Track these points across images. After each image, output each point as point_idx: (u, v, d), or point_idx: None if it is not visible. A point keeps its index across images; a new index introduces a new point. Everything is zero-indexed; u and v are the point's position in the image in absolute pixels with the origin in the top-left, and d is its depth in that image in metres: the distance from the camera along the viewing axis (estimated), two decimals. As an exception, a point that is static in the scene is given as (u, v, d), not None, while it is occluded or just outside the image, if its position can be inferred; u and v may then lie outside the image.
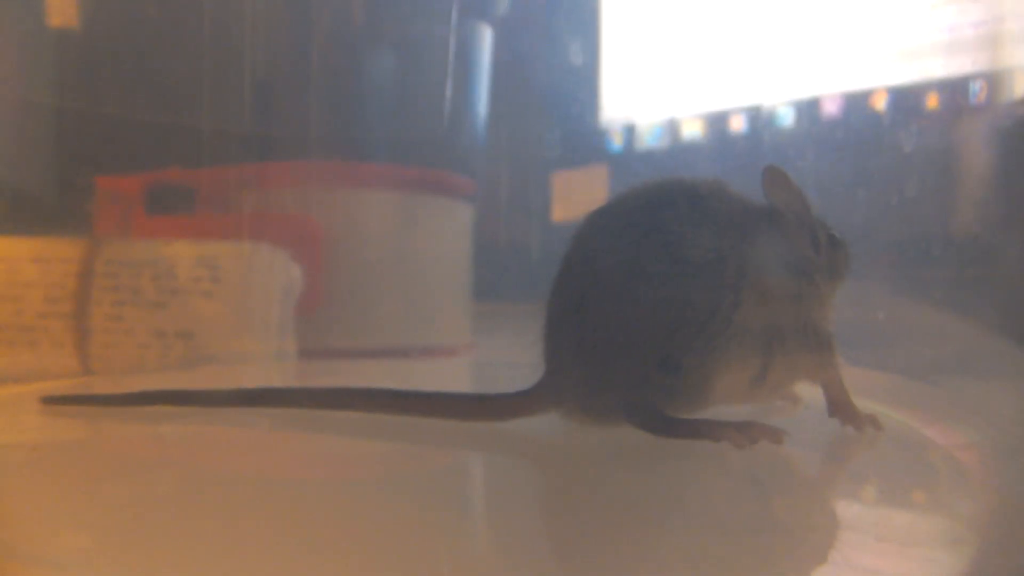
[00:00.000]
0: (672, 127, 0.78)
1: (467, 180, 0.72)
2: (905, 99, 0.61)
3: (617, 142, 0.83)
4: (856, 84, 0.64)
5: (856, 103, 0.64)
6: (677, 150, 0.78)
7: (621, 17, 0.83)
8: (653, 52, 0.80)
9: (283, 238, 0.57)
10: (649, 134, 0.80)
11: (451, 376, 0.67)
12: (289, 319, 0.57)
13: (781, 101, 0.69)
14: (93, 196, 0.64)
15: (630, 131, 0.82)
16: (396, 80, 0.78)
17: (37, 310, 0.51)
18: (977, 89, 0.56)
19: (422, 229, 0.67)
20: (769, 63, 0.70)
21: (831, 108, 0.66)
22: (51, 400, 0.42)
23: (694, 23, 0.76)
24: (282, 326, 0.56)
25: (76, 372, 0.52)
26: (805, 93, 0.68)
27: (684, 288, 0.34)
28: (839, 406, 0.38)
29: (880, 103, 0.62)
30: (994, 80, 0.55)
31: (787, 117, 0.69)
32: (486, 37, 0.84)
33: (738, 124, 0.73)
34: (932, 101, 0.59)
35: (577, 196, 0.85)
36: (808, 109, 0.67)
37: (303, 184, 0.65)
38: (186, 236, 0.56)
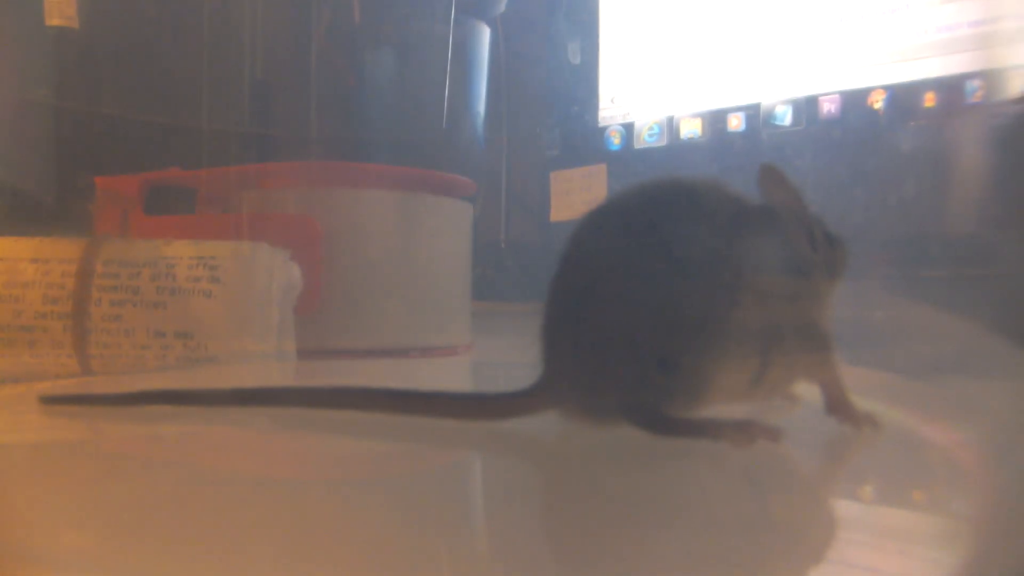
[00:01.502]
0: (670, 126, 0.78)
1: (467, 180, 0.72)
2: (903, 98, 0.61)
3: (616, 141, 0.83)
4: (854, 83, 0.64)
5: (854, 102, 0.64)
6: (675, 149, 0.78)
7: (619, 16, 0.83)
8: (651, 51, 0.80)
9: (283, 238, 0.57)
10: (648, 133, 0.80)
11: (450, 376, 0.67)
12: (289, 319, 0.57)
13: (779, 100, 0.69)
14: (92, 196, 0.64)
15: (628, 130, 0.82)
16: (395, 80, 0.78)
17: (36, 310, 0.51)
18: (974, 88, 0.57)
19: (422, 229, 0.67)
20: (767, 62, 0.70)
21: (829, 107, 0.66)
22: (50, 400, 0.42)
23: (693, 22, 0.76)
24: (282, 326, 0.56)
25: (75, 372, 0.52)
26: (803, 92, 0.68)
27: (681, 287, 0.34)
28: (837, 405, 0.38)
29: (878, 102, 0.62)
30: (991, 79, 0.55)
31: (785, 116, 0.69)
32: (485, 36, 0.84)
33: (736, 123, 0.73)
34: (929, 100, 0.59)
35: (576, 195, 0.85)
36: (806, 108, 0.68)
37: (302, 184, 0.65)
38: (186, 236, 0.56)
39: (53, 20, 0.68)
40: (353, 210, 0.65)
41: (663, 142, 0.79)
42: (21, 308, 0.51)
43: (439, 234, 0.69)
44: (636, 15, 0.82)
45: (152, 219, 0.63)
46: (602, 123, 0.84)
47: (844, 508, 0.31)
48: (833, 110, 0.65)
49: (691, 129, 0.77)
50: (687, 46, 0.77)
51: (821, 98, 0.66)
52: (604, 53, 0.84)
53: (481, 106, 0.84)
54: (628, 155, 0.82)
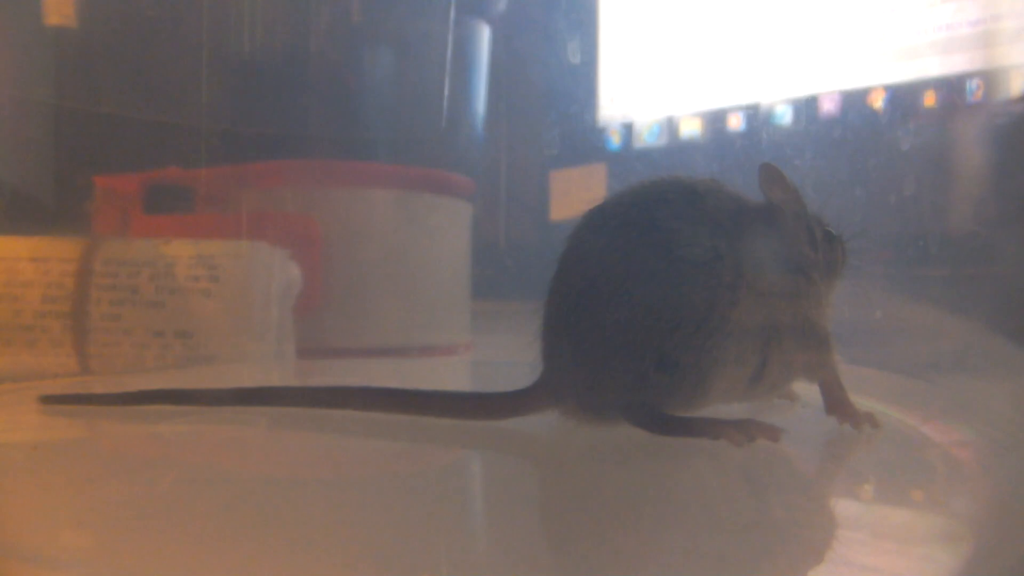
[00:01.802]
0: (670, 125, 0.78)
1: (466, 179, 0.72)
2: (903, 97, 0.61)
3: (615, 141, 0.83)
4: (854, 82, 0.64)
5: (854, 101, 0.64)
6: (675, 148, 0.78)
7: (619, 15, 0.83)
8: (651, 51, 0.80)
9: (282, 237, 0.57)
10: (647, 132, 0.80)
11: (450, 375, 0.67)
12: (288, 318, 0.56)
13: (779, 99, 0.69)
14: (92, 195, 0.64)
15: (628, 129, 0.82)
16: (395, 78, 0.78)
17: (36, 309, 0.51)
18: (974, 87, 0.56)
19: (421, 228, 0.67)
20: (767, 61, 0.70)
21: (829, 106, 0.66)
22: (49, 399, 0.42)
23: (692, 21, 0.76)
24: (281, 325, 0.56)
25: (74, 371, 0.52)
26: (803, 91, 0.68)
27: (681, 286, 0.34)
28: (836, 404, 0.38)
29: (878, 101, 0.62)
30: (991, 78, 0.55)
31: (785, 115, 0.69)
32: (484, 35, 0.84)
33: (736, 122, 0.73)
34: (929, 99, 0.59)
35: (575, 195, 0.85)
36: (806, 107, 0.67)
37: (302, 183, 0.65)
38: (185, 235, 0.56)
39: (51, 19, 0.68)
40: (352, 209, 0.65)
41: (663, 142, 0.79)
42: (20, 307, 0.51)
43: (439, 233, 0.69)
44: (636, 14, 0.82)
45: (151, 218, 0.63)
46: (602, 123, 0.84)
47: (843, 506, 0.31)
48: (833, 109, 0.65)
49: (691, 129, 0.77)
50: (687, 46, 0.77)
51: (821, 97, 0.66)
52: (604, 53, 0.84)
53: (481, 105, 0.84)
54: (628, 155, 0.82)
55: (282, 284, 0.55)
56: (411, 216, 0.67)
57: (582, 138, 0.86)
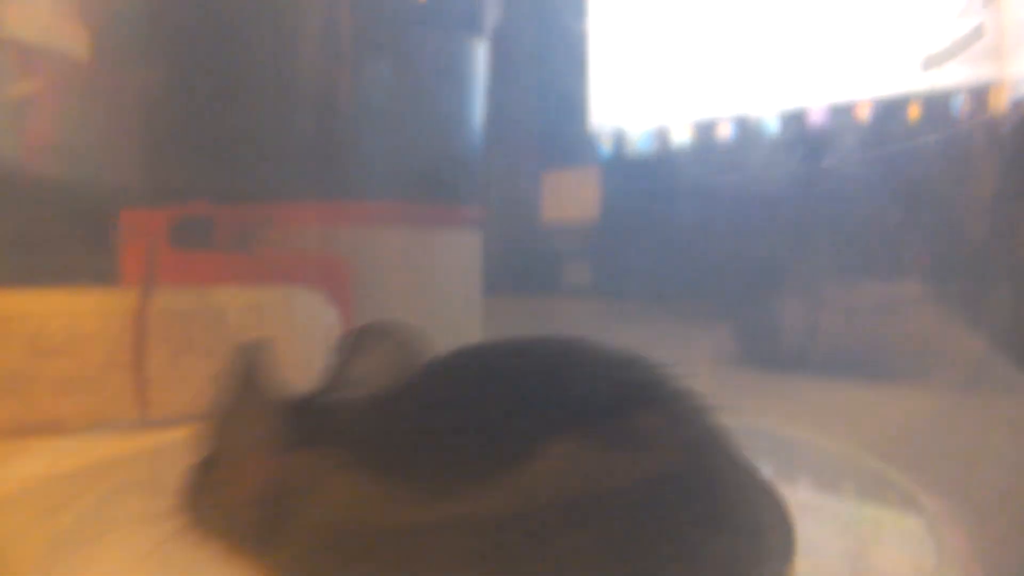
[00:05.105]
0: (661, 135, 0.79)
1: (477, 207, 0.73)
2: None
3: (606, 148, 0.83)
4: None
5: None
6: (666, 157, 0.78)
7: (609, 24, 0.83)
8: (642, 60, 0.80)
9: (312, 279, 0.58)
10: (638, 141, 0.80)
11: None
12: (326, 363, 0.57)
13: (768, 110, 0.70)
14: (117, 229, 0.64)
15: (619, 138, 0.82)
16: (390, 92, 0.77)
17: (97, 361, 0.52)
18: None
19: (434, 262, 0.69)
20: (757, 72, 0.70)
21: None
22: None
23: (684, 31, 0.76)
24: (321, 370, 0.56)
25: (135, 421, 0.53)
26: (798, 103, 0.68)
27: None
28: None
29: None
30: (977, 92, 0.55)
31: (774, 125, 0.69)
32: (481, 50, 0.84)
33: (725, 132, 0.73)
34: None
35: (568, 198, 0.85)
36: (794, 118, 0.68)
37: (321, 221, 0.66)
38: (216, 275, 0.56)
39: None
40: (366, 248, 0.66)
41: (654, 150, 0.79)
42: (84, 361, 0.52)
43: (451, 266, 0.70)
44: (626, 24, 0.81)
45: (178, 254, 0.63)
46: (592, 130, 0.84)
47: (860, 510, 0.33)
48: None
49: (682, 138, 0.77)
50: (678, 54, 0.76)
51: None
52: (594, 60, 0.83)
53: (477, 121, 0.83)
54: (619, 163, 0.82)
55: (323, 329, 0.56)
56: (425, 251, 0.68)
57: (573, 145, 0.86)
